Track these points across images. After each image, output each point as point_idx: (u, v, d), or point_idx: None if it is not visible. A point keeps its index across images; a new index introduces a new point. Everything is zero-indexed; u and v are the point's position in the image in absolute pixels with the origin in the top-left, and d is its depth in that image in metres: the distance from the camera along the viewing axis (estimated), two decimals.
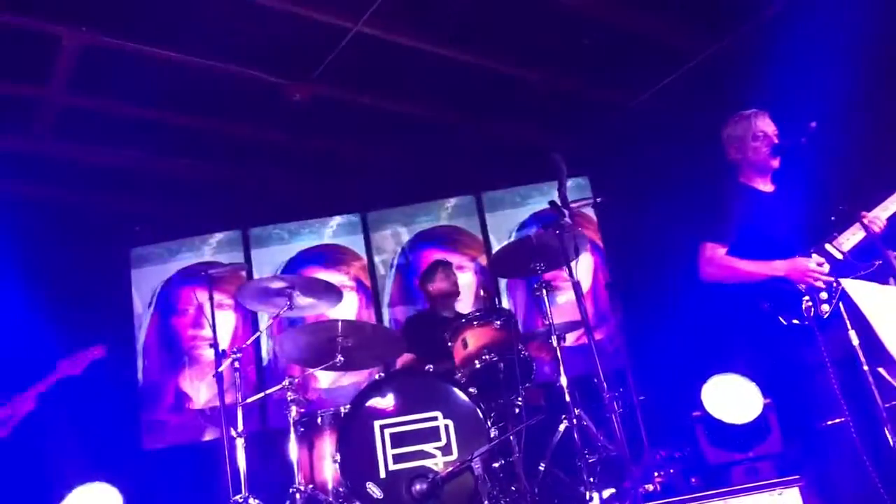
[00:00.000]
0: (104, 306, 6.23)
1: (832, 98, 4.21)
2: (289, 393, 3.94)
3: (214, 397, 5.59)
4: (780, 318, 3.41)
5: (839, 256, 3.38)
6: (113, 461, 4.78)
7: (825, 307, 3.32)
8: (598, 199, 4.15)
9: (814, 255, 3.41)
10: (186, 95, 5.35)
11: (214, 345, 4.17)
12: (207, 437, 6.14)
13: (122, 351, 6.24)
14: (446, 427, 3.66)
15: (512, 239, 6.47)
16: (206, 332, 6.36)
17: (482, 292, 4.27)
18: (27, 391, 4.42)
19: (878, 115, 4.40)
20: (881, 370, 2.16)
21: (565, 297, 5.67)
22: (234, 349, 4.06)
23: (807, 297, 3.36)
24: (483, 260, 6.60)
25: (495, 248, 6.47)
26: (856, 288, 2.34)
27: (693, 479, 3.86)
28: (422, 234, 6.78)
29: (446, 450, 3.61)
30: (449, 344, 4.21)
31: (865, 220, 3.27)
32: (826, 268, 3.36)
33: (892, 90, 4.40)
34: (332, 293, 4.24)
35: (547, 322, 3.92)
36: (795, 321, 3.37)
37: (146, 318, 6.47)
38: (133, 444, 6.10)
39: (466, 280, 6.41)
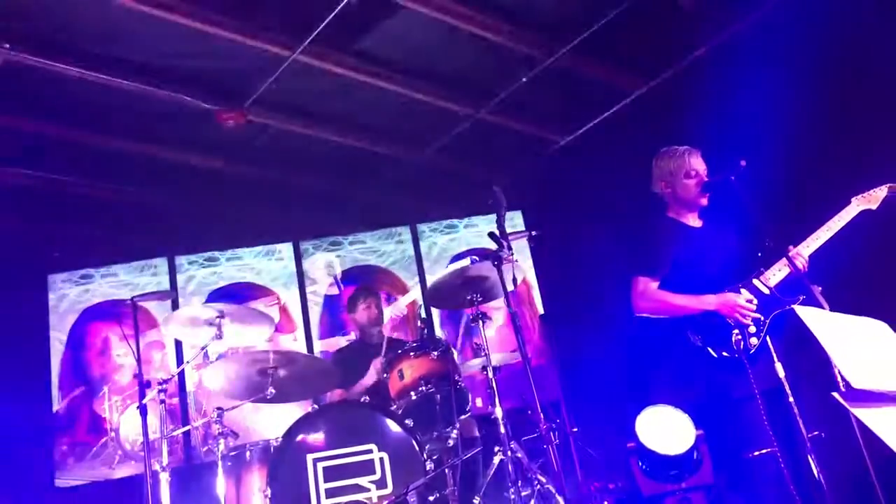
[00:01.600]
0: (18, 333, 5.93)
1: (760, 136, 4.40)
2: (216, 425, 3.80)
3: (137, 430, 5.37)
4: (711, 351, 3.48)
5: (766, 291, 3.48)
6: (23, 500, 4.50)
7: (753, 340, 3.42)
8: (534, 233, 4.18)
9: (743, 291, 3.51)
10: (113, 118, 5.21)
11: (139, 375, 4.00)
12: (126, 472, 5.86)
13: (35, 381, 5.95)
14: (381, 460, 3.60)
15: (448, 270, 6.47)
16: (124, 360, 6.15)
17: (419, 323, 4.24)
18: None
19: (804, 153, 4.60)
20: (835, 395, 2.22)
21: (491, 329, 5.69)
22: (160, 381, 3.91)
23: (736, 331, 3.44)
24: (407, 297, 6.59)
25: (430, 279, 6.46)
26: (808, 314, 2.40)
27: None
28: (354, 270, 6.73)
29: (381, 483, 3.55)
30: (384, 375, 4.16)
31: (790, 254, 3.39)
32: (754, 303, 3.46)
33: (817, 129, 4.62)
34: (264, 321, 4.14)
35: (483, 353, 3.91)
36: (725, 354, 3.45)
37: (60, 347, 6.19)
38: (44, 482, 5.78)
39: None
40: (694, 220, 3.81)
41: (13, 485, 5.08)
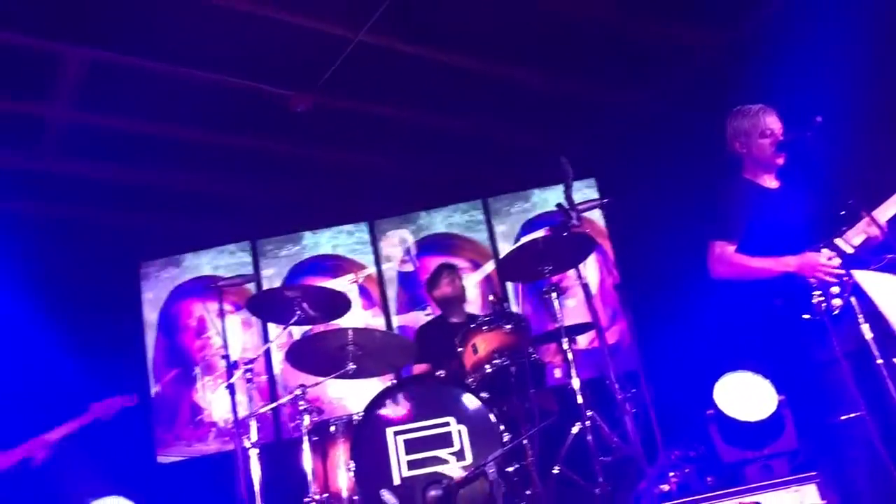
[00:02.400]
0: (115, 322, 6.26)
1: (837, 91, 4.20)
2: (301, 402, 3.94)
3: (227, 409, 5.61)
4: (792, 314, 3.39)
5: (849, 251, 3.35)
6: (127, 475, 4.79)
7: (837, 301, 3.30)
8: (605, 200, 4.14)
9: (824, 250, 3.39)
10: (191, 109, 5.38)
11: (226, 356, 4.18)
12: (221, 448, 6.15)
13: (134, 364, 6.28)
14: (459, 432, 3.65)
15: (518, 243, 6.48)
16: (215, 342, 6.41)
17: (491, 297, 4.27)
18: (52, 431, 4.46)
19: (883, 108, 4.38)
20: None
21: (573, 300, 5.67)
22: (246, 360, 4.07)
23: (818, 292, 3.33)
24: (489, 265, 6.60)
25: (503, 252, 6.47)
26: (867, 279, 2.32)
27: (709, 479, 3.84)
28: (427, 241, 6.79)
29: (460, 455, 3.60)
30: (459, 349, 4.21)
31: (872, 216, 3.25)
32: (836, 262, 3.34)
33: None
34: (342, 302, 4.24)
35: (557, 325, 3.91)
36: (807, 316, 3.35)
37: (153, 332, 6.50)
38: (147, 458, 6.12)
39: (473, 282, 6.44)
40: (770, 181, 3.69)
41: (120, 463, 5.39)
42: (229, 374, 4.10)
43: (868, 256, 3.29)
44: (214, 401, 6.27)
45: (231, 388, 4.08)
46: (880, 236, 3.25)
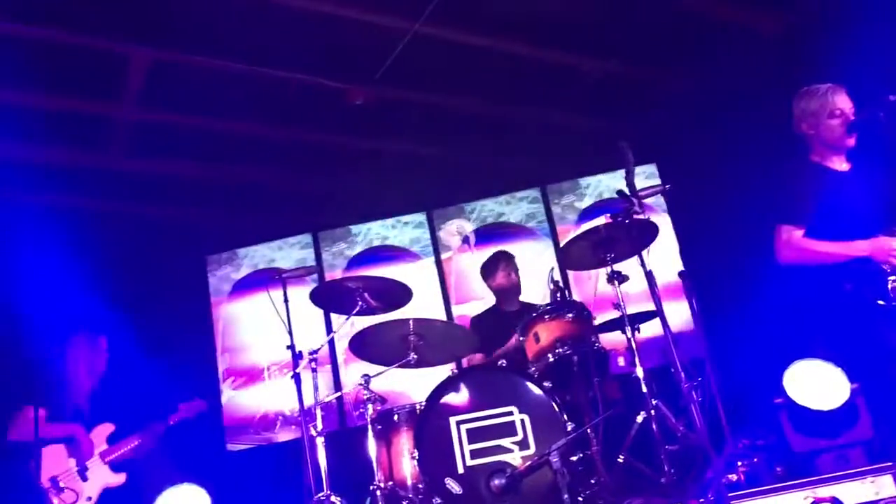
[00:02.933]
0: (184, 314, 6.44)
1: None
2: (364, 391, 4.00)
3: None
4: (865, 300, 3.30)
5: None
6: (199, 463, 4.93)
7: None
8: (668, 186, 4.06)
9: None
10: (251, 105, 5.48)
11: (291, 346, 4.26)
12: (288, 437, 6.29)
13: (203, 357, 6.45)
14: (522, 422, 3.65)
15: (580, 230, 6.42)
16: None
17: (551, 285, 4.24)
18: (148, 429, 4.78)
19: None
20: None
21: (636, 287, 5.59)
22: (311, 350, 4.14)
23: (893, 277, 3.24)
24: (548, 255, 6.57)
25: (563, 240, 6.42)
26: None
27: (778, 469, 3.75)
28: (484, 230, 6.79)
29: (523, 444, 3.60)
30: (521, 338, 4.20)
31: None
32: None
33: None
34: (404, 292, 4.27)
35: (621, 313, 3.87)
36: (881, 302, 3.25)
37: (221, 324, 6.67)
38: (217, 446, 6.29)
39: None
40: (840, 163, 3.58)
41: (193, 451, 5.54)
42: (295, 364, 4.18)
43: None
44: (282, 389, 6.40)
45: (296, 378, 4.15)
46: None
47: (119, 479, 4.64)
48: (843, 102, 3.50)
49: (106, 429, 4.73)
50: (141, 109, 5.29)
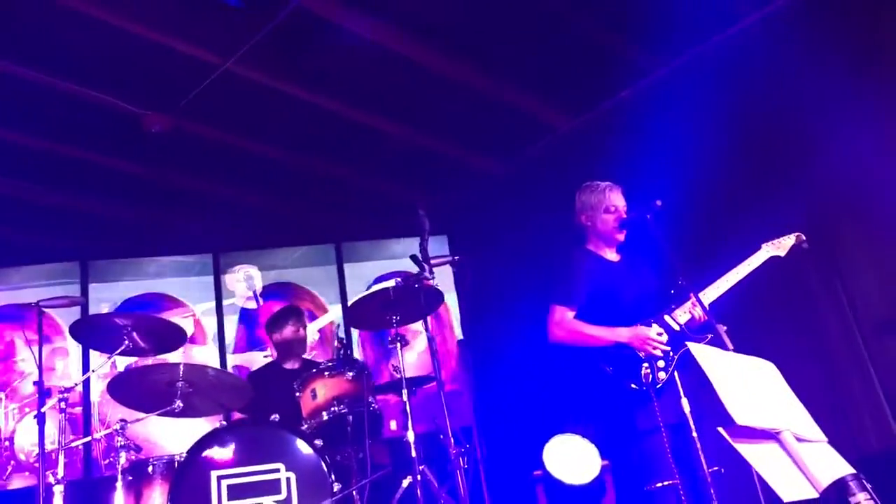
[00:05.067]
0: None
1: (677, 178, 4.56)
2: (119, 438, 3.67)
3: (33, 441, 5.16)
4: (620, 382, 3.56)
5: (676, 327, 3.60)
6: None
7: (662, 374, 3.52)
8: (457, 258, 4.22)
9: (654, 325, 3.61)
10: (32, 116, 5.02)
11: (39, 382, 3.84)
12: (20, 484, 5.59)
13: None
14: (288, 480, 3.53)
15: (369, 291, 6.45)
16: (25, 367, 5.90)
17: (336, 342, 4.19)
18: None
19: (719, 196, 4.81)
20: (720, 429, 2.32)
21: (414, 351, 5.70)
22: (61, 389, 3.75)
23: (646, 364, 3.54)
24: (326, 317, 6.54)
25: (351, 299, 6.42)
26: (700, 351, 2.51)
27: None
28: (271, 287, 6.64)
29: (286, 503, 3.47)
30: (297, 394, 4.09)
31: (700, 295, 3.52)
32: (664, 338, 3.56)
33: (733, 174, 4.83)
34: (176, 334, 4.02)
35: (398, 375, 3.90)
36: (634, 386, 3.54)
37: None
38: None
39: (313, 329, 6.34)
40: (612, 255, 3.91)
41: None
42: (41, 402, 3.76)
43: (692, 334, 3.54)
44: (19, 431, 5.72)
45: (41, 418, 3.73)
46: (703, 317, 3.52)
47: None
48: (618, 200, 3.86)
49: None
50: None
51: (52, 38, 4.39)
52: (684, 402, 3.28)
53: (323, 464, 3.60)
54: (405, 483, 3.90)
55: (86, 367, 5.84)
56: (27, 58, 4.52)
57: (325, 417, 3.91)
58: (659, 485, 3.35)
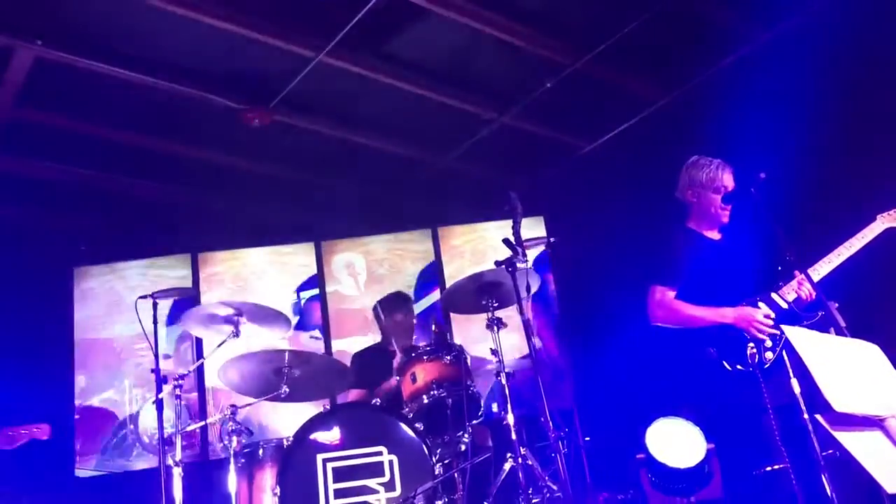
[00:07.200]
0: (43, 325, 6.04)
1: (781, 150, 4.35)
2: (230, 423, 3.84)
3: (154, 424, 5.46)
4: (725, 364, 3.45)
5: (784, 306, 3.45)
6: (44, 488, 4.57)
7: (769, 355, 3.38)
8: (552, 239, 4.17)
9: (761, 305, 3.47)
10: (139, 114, 5.28)
11: (156, 370, 4.05)
12: (143, 465, 5.94)
13: (59, 373, 6.05)
14: (391, 462, 3.60)
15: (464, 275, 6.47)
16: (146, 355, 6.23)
17: (434, 327, 4.23)
18: None
19: (827, 167, 4.56)
20: (819, 417, 2.21)
21: (515, 334, 5.68)
22: (176, 376, 3.95)
23: (752, 344, 3.41)
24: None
25: (448, 283, 6.46)
26: (796, 335, 2.39)
27: None
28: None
29: (389, 486, 3.55)
30: (397, 378, 4.17)
31: (807, 273, 3.35)
32: (771, 317, 3.42)
33: (839, 144, 4.57)
34: (280, 321, 4.16)
35: (497, 359, 3.90)
36: (740, 367, 3.42)
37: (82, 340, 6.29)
38: (65, 471, 5.87)
39: None
40: (713, 233, 3.78)
41: (35, 474, 5.16)
42: (158, 389, 3.98)
43: (801, 312, 3.38)
44: (143, 415, 6.07)
45: (159, 404, 3.95)
46: (812, 295, 3.35)
47: None
48: (729, 180, 3.70)
49: None
50: (17, 107, 4.99)
51: (148, 38, 4.58)
52: (794, 382, 3.14)
53: (424, 447, 3.65)
54: (507, 466, 3.90)
55: (199, 354, 6.12)
56: (127, 59, 4.73)
57: (426, 401, 3.96)
58: (768, 469, 3.23)
